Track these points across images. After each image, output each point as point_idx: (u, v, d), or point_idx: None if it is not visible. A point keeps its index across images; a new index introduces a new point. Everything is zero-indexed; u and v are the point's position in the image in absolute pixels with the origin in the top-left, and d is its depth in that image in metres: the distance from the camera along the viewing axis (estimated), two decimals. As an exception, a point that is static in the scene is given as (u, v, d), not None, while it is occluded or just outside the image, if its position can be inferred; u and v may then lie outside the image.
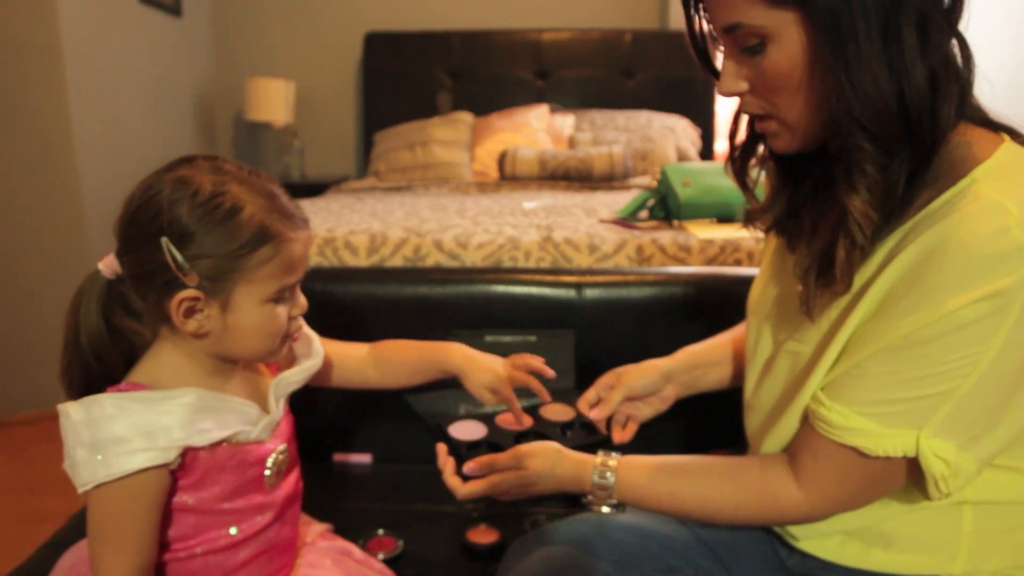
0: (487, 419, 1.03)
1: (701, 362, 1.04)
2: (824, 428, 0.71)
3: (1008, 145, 0.68)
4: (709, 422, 1.16)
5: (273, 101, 3.38)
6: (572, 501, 1.18)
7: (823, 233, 0.71)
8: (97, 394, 0.74)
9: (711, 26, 0.75)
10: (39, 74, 2.38)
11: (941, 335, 0.63)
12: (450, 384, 1.00)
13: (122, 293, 0.79)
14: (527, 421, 0.98)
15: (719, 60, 0.76)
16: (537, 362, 0.96)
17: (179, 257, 0.73)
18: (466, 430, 1.00)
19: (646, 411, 1.03)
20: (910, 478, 0.70)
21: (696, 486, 0.80)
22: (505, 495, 0.86)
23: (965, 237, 0.62)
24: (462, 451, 0.94)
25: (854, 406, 0.68)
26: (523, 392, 0.96)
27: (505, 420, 1.02)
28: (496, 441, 0.97)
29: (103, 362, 0.80)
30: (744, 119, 0.82)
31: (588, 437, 0.95)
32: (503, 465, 0.86)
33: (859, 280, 0.71)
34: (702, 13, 0.76)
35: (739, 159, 0.85)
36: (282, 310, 0.79)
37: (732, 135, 0.85)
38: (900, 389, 0.66)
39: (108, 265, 0.79)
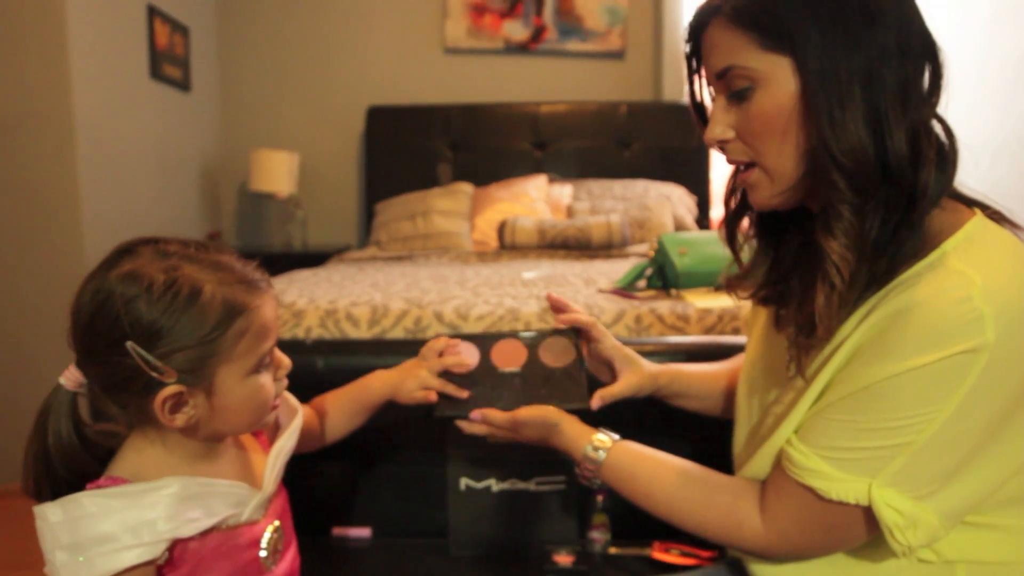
0: (485, 345, 1.04)
1: (687, 380, 1.08)
2: (788, 466, 0.74)
3: (978, 219, 0.72)
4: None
5: (277, 172, 3.44)
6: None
7: (813, 295, 0.74)
8: (75, 493, 0.71)
9: (707, 80, 0.80)
10: (51, 147, 2.45)
11: (898, 390, 0.66)
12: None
13: (91, 400, 0.75)
14: (464, 395, 0.99)
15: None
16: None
17: (150, 358, 0.69)
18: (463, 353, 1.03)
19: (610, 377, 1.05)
20: (871, 533, 0.72)
21: (670, 491, 0.83)
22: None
23: (931, 301, 0.65)
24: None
25: (815, 448, 0.72)
26: None
27: (499, 354, 1.04)
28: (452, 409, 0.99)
29: (75, 472, 0.76)
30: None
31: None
32: (500, 425, 0.93)
33: (837, 338, 0.74)
34: (702, 70, 0.81)
35: (730, 221, 0.89)
36: (266, 378, 0.78)
37: (728, 199, 0.89)
38: (857, 438, 0.69)
39: (70, 378, 0.75)
